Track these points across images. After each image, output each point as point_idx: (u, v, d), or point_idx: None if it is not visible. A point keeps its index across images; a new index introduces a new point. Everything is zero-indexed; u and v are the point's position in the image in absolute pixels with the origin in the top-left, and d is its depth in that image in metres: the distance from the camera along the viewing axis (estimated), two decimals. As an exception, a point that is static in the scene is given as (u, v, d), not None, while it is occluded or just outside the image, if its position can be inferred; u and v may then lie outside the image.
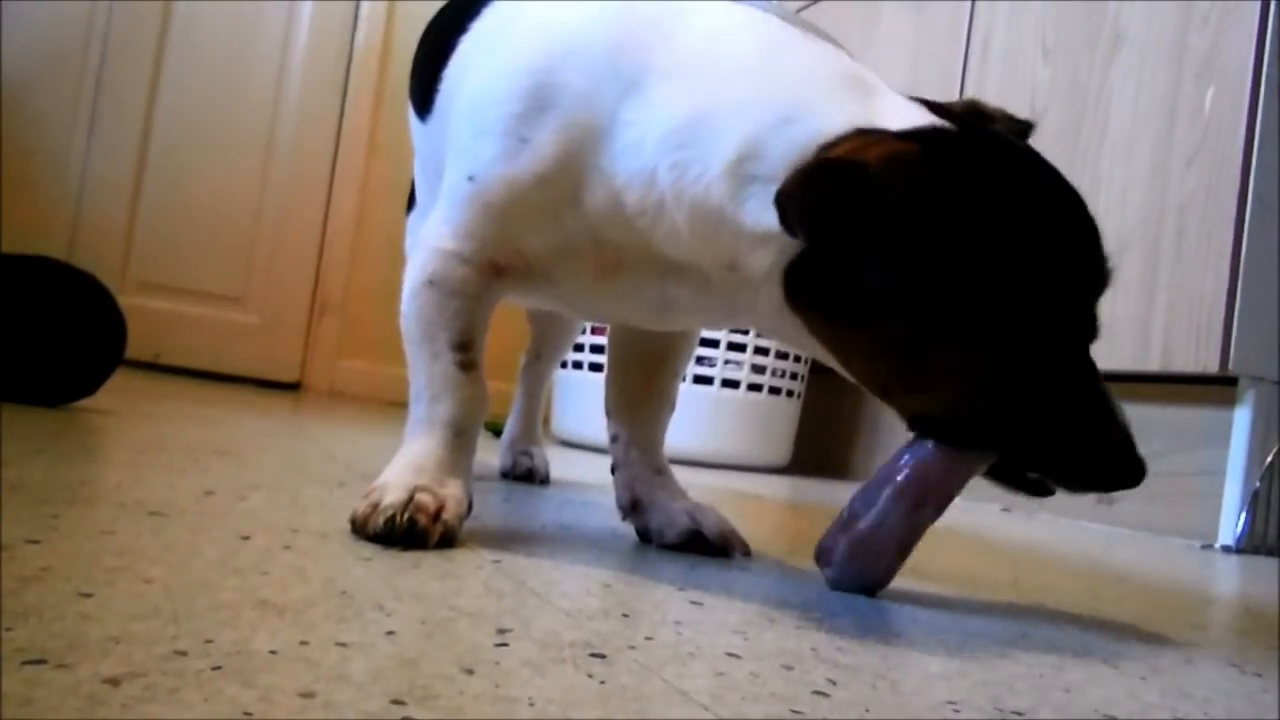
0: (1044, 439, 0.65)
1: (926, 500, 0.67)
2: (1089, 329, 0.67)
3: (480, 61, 0.78)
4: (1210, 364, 1.58)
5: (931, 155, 0.61)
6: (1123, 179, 1.75)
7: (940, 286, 0.61)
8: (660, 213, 0.67)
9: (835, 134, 0.62)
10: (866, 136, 0.62)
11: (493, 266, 0.74)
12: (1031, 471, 0.67)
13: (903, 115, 0.65)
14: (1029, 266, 0.62)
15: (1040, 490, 0.68)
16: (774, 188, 0.61)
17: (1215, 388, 1.64)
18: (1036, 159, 0.66)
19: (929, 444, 0.67)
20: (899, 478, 0.67)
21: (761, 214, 0.63)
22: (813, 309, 0.64)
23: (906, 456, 0.67)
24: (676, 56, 0.68)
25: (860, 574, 0.69)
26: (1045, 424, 0.64)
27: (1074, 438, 0.65)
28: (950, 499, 0.67)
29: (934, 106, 0.67)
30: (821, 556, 0.71)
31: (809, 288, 0.64)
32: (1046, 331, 0.63)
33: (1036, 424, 0.64)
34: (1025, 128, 0.74)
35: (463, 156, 0.74)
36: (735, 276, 0.67)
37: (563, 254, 0.73)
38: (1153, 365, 1.66)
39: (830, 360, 0.69)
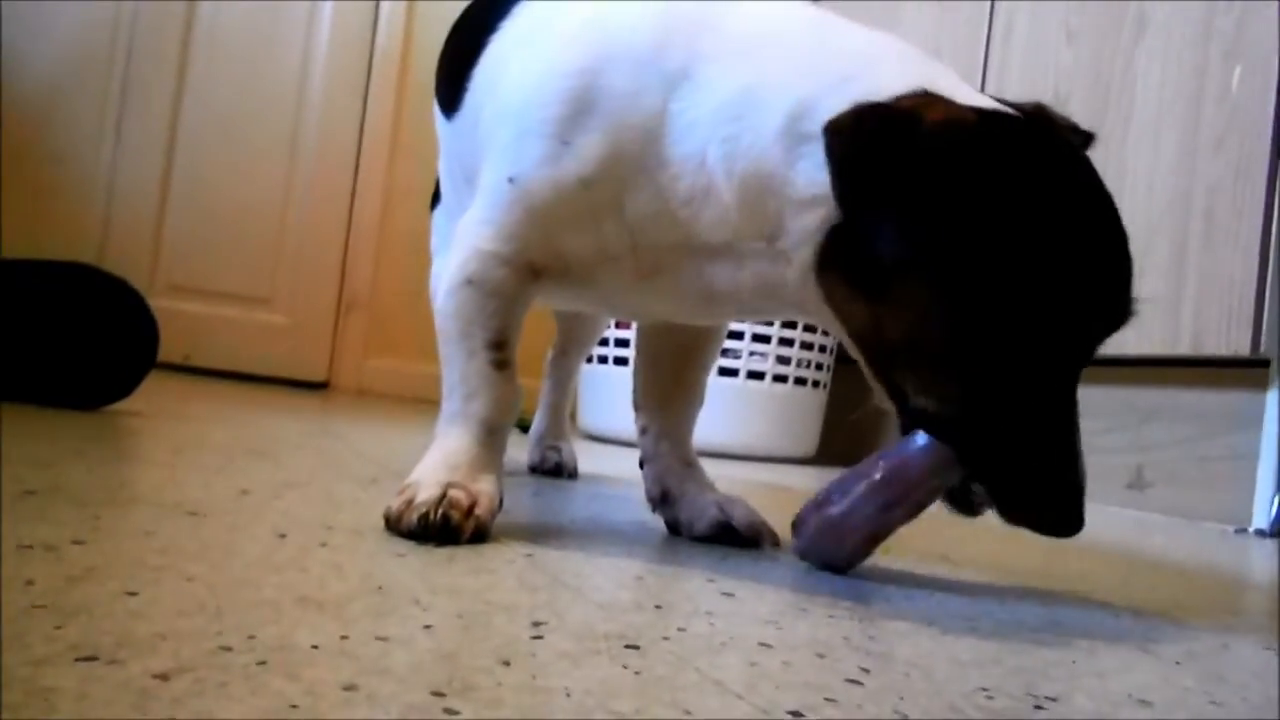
0: (1007, 458, 0.63)
1: (898, 502, 0.67)
2: (1083, 358, 0.65)
3: (519, 62, 0.78)
4: (1241, 346, 1.57)
5: (990, 131, 0.60)
6: (1149, 162, 1.74)
7: (958, 266, 0.60)
8: (707, 197, 0.68)
9: (898, 92, 0.63)
10: (930, 98, 0.62)
11: (531, 268, 0.75)
12: (979, 485, 0.65)
13: (967, 95, 0.65)
14: (1051, 274, 0.60)
15: (967, 508, 0.67)
16: None
17: (1247, 371, 1.62)
18: (1092, 173, 0.64)
19: (909, 449, 0.66)
20: (876, 475, 0.67)
21: (814, 173, 0.63)
22: (837, 276, 0.64)
23: (887, 457, 0.67)
24: (725, 41, 0.69)
25: (824, 552, 0.71)
26: (1013, 442, 0.63)
27: (1032, 467, 0.63)
28: (922, 507, 0.67)
29: (1002, 102, 0.67)
30: (795, 527, 0.72)
31: (839, 254, 0.64)
32: (1048, 346, 0.62)
33: (1006, 439, 0.63)
34: (1086, 139, 0.72)
35: (503, 157, 0.74)
36: (772, 249, 0.67)
37: (601, 258, 0.73)
38: (1183, 349, 1.65)
39: (843, 336, 0.68)
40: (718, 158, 0.67)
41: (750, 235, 0.68)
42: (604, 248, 0.72)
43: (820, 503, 0.70)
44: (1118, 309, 0.63)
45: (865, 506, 0.68)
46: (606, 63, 0.70)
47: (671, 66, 0.69)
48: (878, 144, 0.60)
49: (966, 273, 0.60)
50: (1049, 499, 0.63)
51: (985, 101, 0.65)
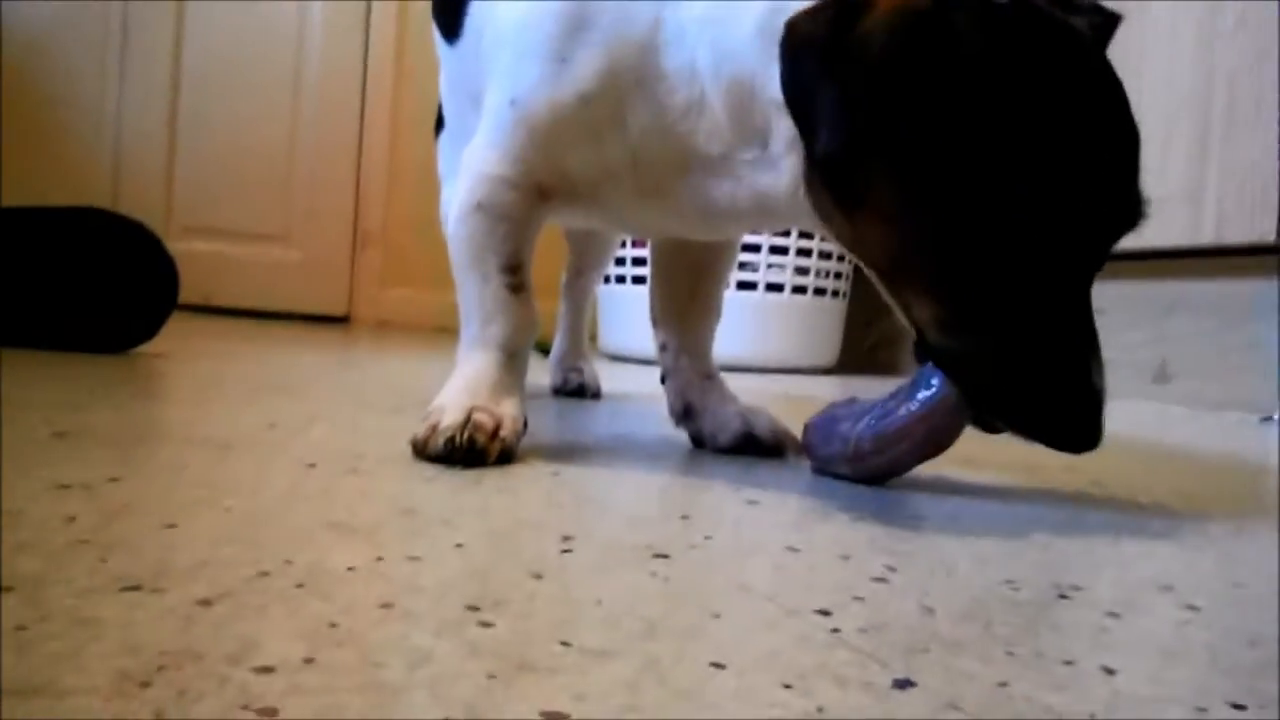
0: (1008, 379, 0.58)
1: (939, 449, 0.65)
2: (1084, 266, 0.59)
3: None
4: (1266, 233, 1.55)
5: (944, 15, 0.55)
6: (1169, 50, 1.70)
7: (916, 168, 0.55)
8: (702, 108, 0.67)
9: None
10: None
11: (539, 190, 0.75)
12: (977, 410, 0.62)
13: None
14: (1025, 171, 0.54)
15: (988, 427, 0.63)
16: None
17: (1269, 259, 1.60)
18: (1085, 56, 0.58)
19: (934, 389, 0.63)
20: (916, 429, 0.64)
21: None
22: (819, 185, 0.62)
23: (915, 405, 0.64)
24: None
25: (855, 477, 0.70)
26: (1012, 362, 0.58)
27: (1036, 385, 0.58)
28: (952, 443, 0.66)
29: None
30: (812, 452, 0.72)
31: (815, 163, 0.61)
32: (1037, 254, 0.56)
33: (1004, 360, 0.58)
34: (1111, 20, 0.65)
35: (504, 80, 0.74)
36: (766, 158, 0.66)
37: (605, 177, 0.73)
38: (1205, 238, 1.63)
39: (846, 251, 0.67)
40: (705, 64, 0.66)
41: (743, 144, 0.67)
42: (607, 166, 0.72)
43: (852, 458, 0.68)
44: (1113, 209, 0.57)
45: (907, 459, 0.66)
46: None
47: None
48: (822, 34, 0.56)
49: (924, 169, 0.56)
50: (1059, 414, 0.58)
51: None
